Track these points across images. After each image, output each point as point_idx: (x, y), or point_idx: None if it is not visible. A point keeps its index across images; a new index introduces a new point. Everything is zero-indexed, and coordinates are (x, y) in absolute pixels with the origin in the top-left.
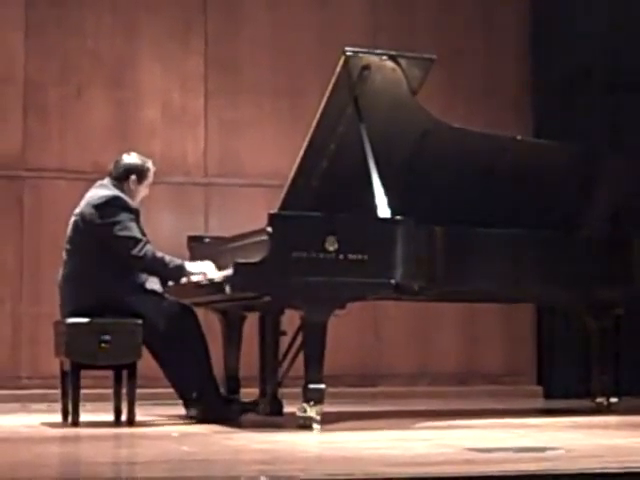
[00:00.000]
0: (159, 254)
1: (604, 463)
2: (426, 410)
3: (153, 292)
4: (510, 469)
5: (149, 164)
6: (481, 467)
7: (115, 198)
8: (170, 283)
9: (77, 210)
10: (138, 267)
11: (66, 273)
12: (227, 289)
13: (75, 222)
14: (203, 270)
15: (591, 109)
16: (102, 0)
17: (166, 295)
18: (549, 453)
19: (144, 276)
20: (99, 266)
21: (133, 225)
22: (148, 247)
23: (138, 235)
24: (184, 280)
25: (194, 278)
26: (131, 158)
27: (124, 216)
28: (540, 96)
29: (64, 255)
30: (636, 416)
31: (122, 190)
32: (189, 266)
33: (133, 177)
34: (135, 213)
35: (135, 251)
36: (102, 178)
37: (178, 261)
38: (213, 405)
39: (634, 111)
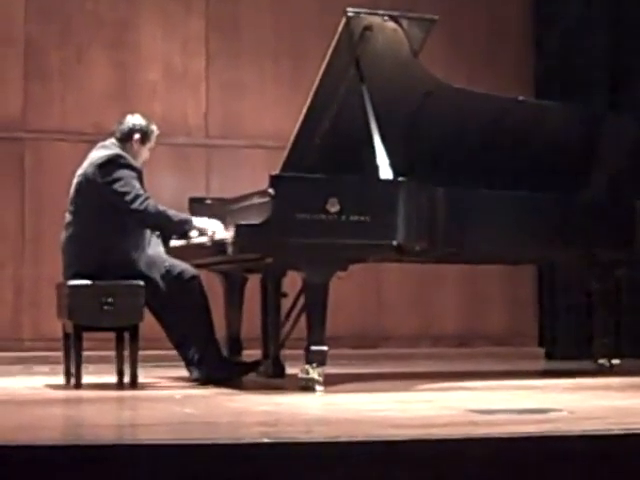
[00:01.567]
0: (161, 207)
1: (606, 425)
2: (428, 372)
3: (156, 254)
4: (512, 431)
5: (153, 126)
6: (483, 429)
7: (117, 156)
8: (173, 243)
9: (80, 171)
10: (140, 221)
11: (69, 235)
12: (229, 250)
13: (78, 183)
14: (210, 226)
15: (592, 70)
16: None
17: (169, 256)
18: (551, 415)
19: (147, 239)
20: (103, 227)
21: (135, 182)
22: (150, 201)
23: (140, 191)
24: (190, 239)
25: (200, 239)
26: (135, 119)
27: (125, 173)
28: (542, 56)
29: (67, 216)
30: (638, 377)
31: (125, 150)
32: (196, 220)
33: (137, 136)
34: (137, 172)
35: (135, 205)
36: (103, 139)
37: (184, 215)
38: (215, 366)
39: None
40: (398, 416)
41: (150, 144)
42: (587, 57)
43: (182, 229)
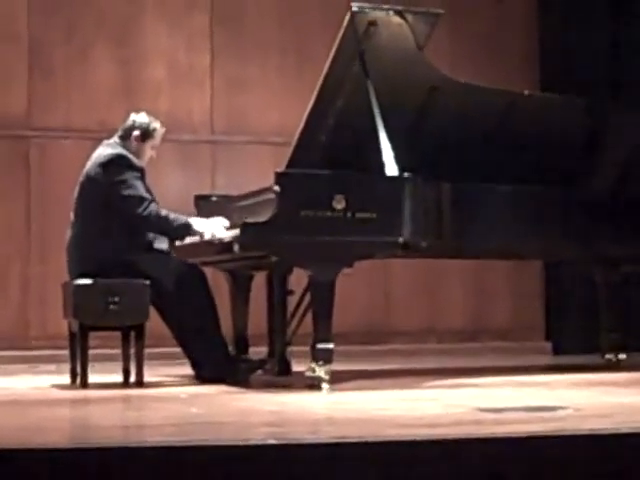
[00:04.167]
0: (163, 212)
1: (614, 423)
2: (435, 368)
3: (160, 251)
4: (520, 430)
5: (156, 125)
6: (491, 428)
7: (120, 157)
8: (178, 242)
9: (84, 170)
10: (143, 226)
11: (74, 234)
12: (235, 248)
13: (82, 183)
14: (209, 228)
15: (596, 67)
16: None
17: (173, 255)
18: (558, 412)
19: (152, 235)
20: (106, 226)
21: (138, 184)
22: (152, 206)
23: (143, 194)
24: (192, 239)
25: (205, 237)
26: (138, 117)
27: (129, 175)
28: (548, 47)
29: (72, 216)
30: None
31: (127, 149)
32: (195, 223)
33: (136, 133)
34: (140, 171)
35: (139, 210)
36: (108, 137)
37: (183, 219)
38: (221, 365)
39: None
40: (405, 415)
41: (152, 142)
42: (590, 53)
43: (182, 234)
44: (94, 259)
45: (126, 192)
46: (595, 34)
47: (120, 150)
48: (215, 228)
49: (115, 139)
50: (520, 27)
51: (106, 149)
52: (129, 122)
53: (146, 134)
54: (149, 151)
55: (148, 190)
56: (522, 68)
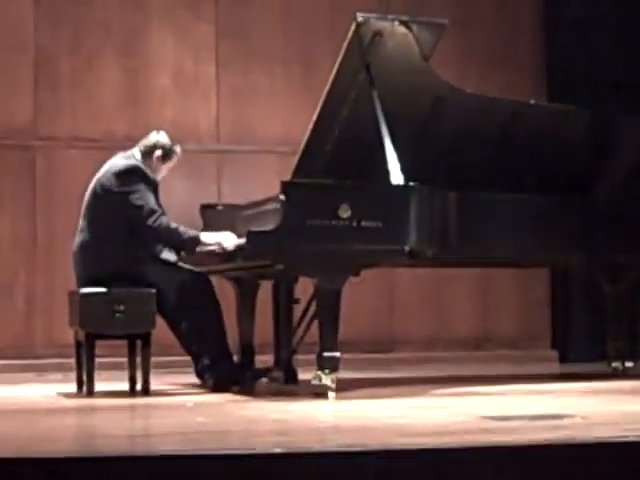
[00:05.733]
0: (173, 225)
1: (621, 431)
2: (442, 376)
3: (167, 262)
4: (526, 438)
5: (176, 147)
6: (497, 436)
7: (135, 168)
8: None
9: (96, 177)
10: (152, 237)
11: (82, 241)
12: (240, 256)
13: (93, 189)
14: (219, 240)
15: (605, 74)
16: None
17: (180, 263)
18: (565, 421)
19: (159, 246)
20: (115, 234)
21: (150, 196)
22: (163, 218)
23: (154, 206)
24: (199, 249)
25: (210, 247)
26: (160, 136)
27: (142, 186)
28: (555, 57)
29: (80, 222)
30: None
31: (145, 164)
32: (204, 237)
33: (158, 153)
34: (153, 184)
35: (150, 221)
36: (114, 147)
37: (193, 232)
38: (227, 373)
39: None
40: (412, 423)
41: (170, 163)
42: (600, 57)
43: (191, 246)
44: (101, 266)
45: (138, 202)
46: (603, 43)
47: (137, 162)
48: (225, 241)
49: (134, 153)
50: (527, 37)
51: (122, 160)
52: (151, 140)
53: (167, 155)
54: (165, 171)
55: (159, 204)
56: (529, 78)
